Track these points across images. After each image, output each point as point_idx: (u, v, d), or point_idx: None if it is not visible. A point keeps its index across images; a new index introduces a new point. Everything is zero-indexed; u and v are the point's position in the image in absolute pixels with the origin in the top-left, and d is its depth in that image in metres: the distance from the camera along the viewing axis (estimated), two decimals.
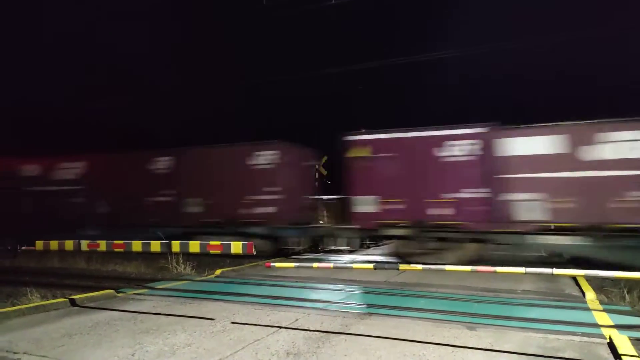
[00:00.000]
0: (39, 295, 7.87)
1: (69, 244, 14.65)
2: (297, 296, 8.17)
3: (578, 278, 9.53)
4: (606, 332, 5.66)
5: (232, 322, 6.28)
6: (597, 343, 5.25)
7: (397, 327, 5.96)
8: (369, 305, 7.49)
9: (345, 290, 8.83)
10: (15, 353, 5.08)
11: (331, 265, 9.20)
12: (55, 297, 7.98)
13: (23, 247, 16.00)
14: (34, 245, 15.19)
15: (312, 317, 6.56)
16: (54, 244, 14.84)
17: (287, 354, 4.97)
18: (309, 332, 5.78)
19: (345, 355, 4.92)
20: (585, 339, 5.41)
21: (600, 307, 7.23)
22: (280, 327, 5.99)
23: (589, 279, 9.30)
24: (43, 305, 7.27)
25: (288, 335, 5.63)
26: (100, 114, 23.83)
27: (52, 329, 6.07)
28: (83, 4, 29.10)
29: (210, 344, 5.34)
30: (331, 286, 9.26)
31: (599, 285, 8.87)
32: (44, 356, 4.99)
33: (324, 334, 5.70)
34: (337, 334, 5.67)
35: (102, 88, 25.94)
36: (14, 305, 7.26)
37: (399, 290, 8.83)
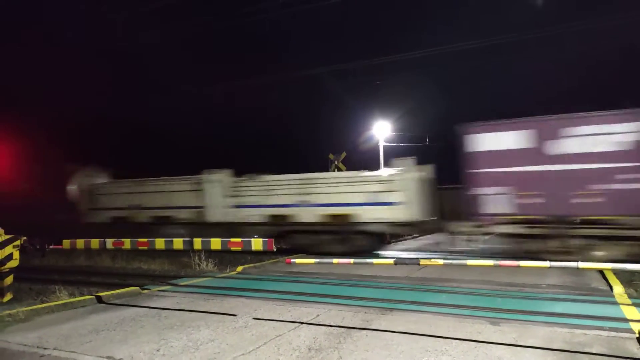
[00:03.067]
0: (67, 293, 8.07)
1: (95, 243, 15.04)
2: (318, 292, 8.19)
3: (605, 271, 9.30)
4: (635, 326, 5.51)
5: (254, 318, 6.34)
6: (626, 338, 5.12)
7: (419, 322, 5.92)
8: (390, 301, 7.46)
9: (366, 286, 8.81)
10: (45, 349, 5.24)
11: (351, 260, 9.20)
12: (82, 294, 8.17)
13: (51, 246, 16.41)
14: (61, 245, 15.60)
15: (333, 312, 6.57)
16: (80, 243, 15.23)
17: (309, 349, 4.99)
18: (330, 327, 5.80)
19: (367, 351, 4.91)
20: (613, 333, 5.28)
21: (629, 301, 7.04)
22: (302, 323, 6.02)
23: (616, 272, 9.07)
24: (71, 302, 7.48)
25: (309, 331, 5.66)
26: None
27: (80, 325, 6.24)
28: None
29: (232, 340, 5.40)
30: (352, 282, 9.25)
31: (627, 278, 8.64)
32: (72, 352, 5.13)
33: (345, 329, 5.70)
34: (358, 330, 5.66)
35: None
36: (43, 303, 7.46)
37: (420, 285, 8.77)
